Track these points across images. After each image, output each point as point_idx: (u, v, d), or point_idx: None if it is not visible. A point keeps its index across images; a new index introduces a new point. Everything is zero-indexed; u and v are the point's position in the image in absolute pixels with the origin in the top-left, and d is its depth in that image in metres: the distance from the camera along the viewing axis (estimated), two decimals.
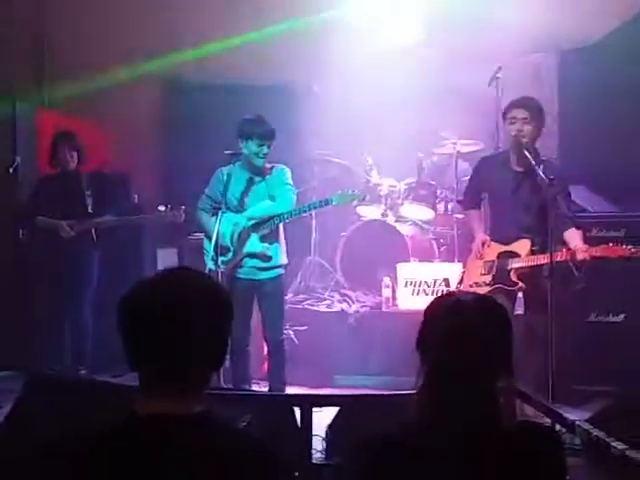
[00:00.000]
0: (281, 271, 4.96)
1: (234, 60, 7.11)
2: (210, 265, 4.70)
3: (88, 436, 1.62)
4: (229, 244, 4.83)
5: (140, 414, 1.60)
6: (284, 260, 4.97)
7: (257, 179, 4.87)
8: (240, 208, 4.85)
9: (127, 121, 7.26)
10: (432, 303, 1.91)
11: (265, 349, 5.21)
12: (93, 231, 5.51)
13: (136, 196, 6.52)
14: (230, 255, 4.83)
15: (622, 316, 5.00)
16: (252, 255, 4.83)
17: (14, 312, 5.84)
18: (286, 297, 6.15)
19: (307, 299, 6.26)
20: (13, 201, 5.87)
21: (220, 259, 4.70)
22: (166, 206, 5.38)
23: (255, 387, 5.12)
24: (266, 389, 4.96)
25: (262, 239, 4.84)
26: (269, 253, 4.84)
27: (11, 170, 5.70)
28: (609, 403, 4.05)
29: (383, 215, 6.43)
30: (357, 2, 6.99)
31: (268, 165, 4.88)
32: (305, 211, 4.99)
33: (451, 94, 6.68)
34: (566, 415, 3.44)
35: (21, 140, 6.35)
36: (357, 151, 6.76)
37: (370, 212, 6.53)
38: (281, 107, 7.10)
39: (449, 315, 1.80)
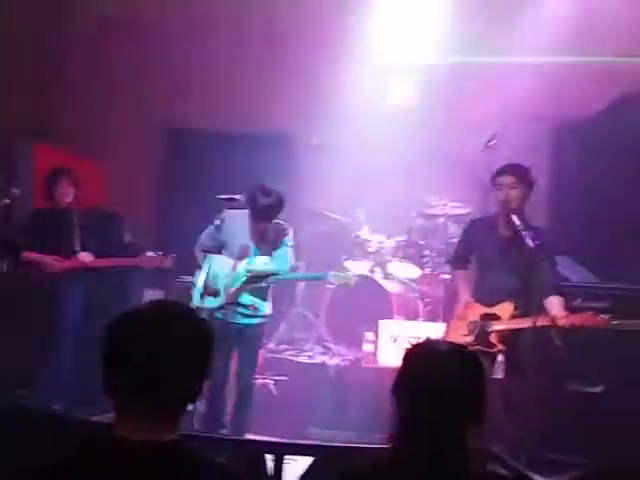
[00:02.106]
0: (263, 320, 5.03)
1: (234, 108, 7.25)
2: (196, 301, 4.74)
3: (58, 461, 1.62)
4: (220, 288, 4.87)
5: (114, 439, 1.62)
6: (268, 311, 5.06)
7: (261, 229, 4.92)
8: (241, 257, 4.90)
9: (125, 162, 7.36)
10: (410, 350, 1.93)
11: None
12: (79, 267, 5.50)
13: (128, 235, 6.55)
14: (219, 299, 4.88)
15: (600, 387, 5.02)
16: (241, 305, 4.90)
17: None
18: (268, 346, 6.18)
19: (289, 349, 6.26)
20: (4, 234, 5.88)
21: (208, 299, 4.74)
22: (156, 252, 5.43)
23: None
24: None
25: (253, 292, 4.91)
26: (257, 306, 4.94)
27: (7, 201, 5.72)
28: (580, 475, 4.04)
29: (370, 271, 6.48)
30: (356, 63, 7.16)
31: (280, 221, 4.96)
32: (301, 279, 5.04)
33: (446, 159, 6.82)
34: None
35: (19, 173, 6.40)
36: (349, 207, 6.86)
37: (358, 267, 6.58)
38: (279, 157, 7.24)
39: (424, 362, 1.83)
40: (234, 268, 4.88)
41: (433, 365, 1.82)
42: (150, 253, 5.45)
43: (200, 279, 4.86)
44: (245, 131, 7.33)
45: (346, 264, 6.64)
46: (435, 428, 1.77)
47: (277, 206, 4.78)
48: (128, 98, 7.48)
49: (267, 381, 5.80)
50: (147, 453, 1.58)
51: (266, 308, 5.02)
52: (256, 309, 4.94)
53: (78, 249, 5.51)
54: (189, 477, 1.59)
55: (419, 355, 1.87)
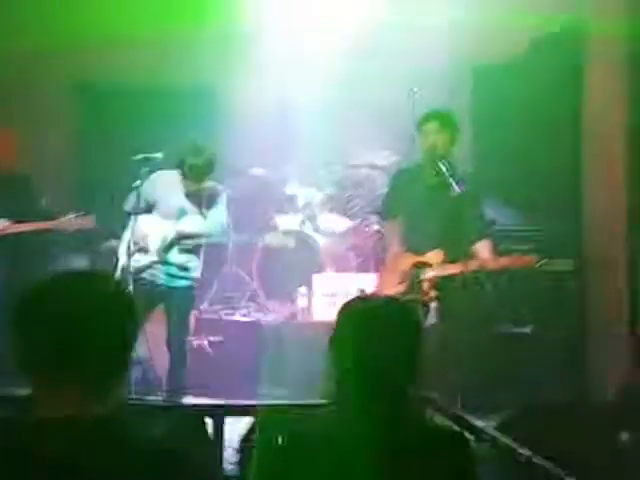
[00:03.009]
0: (191, 282, 4.96)
1: (148, 61, 6.99)
2: (123, 261, 4.63)
3: None
4: (149, 247, 4.77)
5: (35, 418, 1.53)
6: (197, 274, 4.99)
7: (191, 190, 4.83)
8: (171, 217, 4.82)
9: (34, 121, 7.03)
10: (344, 306, 1.95)
11: None
12: None
13: (44, 199, 6.30)
14: (148, 258, 4.80)
15: (529, 328, 5.15)
16: (169, 264, 4.82)
17: None
18: (201, 307, 6.11)
19: (223, 309, 6.20)
20: None
21: (134, 258, 4.64)
22: (76, 213, 5.24)
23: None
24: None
25: (183, 251, 4.83)
26: (188, 265, 4.85)
27: None
28: (515, 411, 4.15)
29: (300, 225, 6.44)
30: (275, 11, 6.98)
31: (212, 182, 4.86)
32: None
33: (369, 107, 6.77)
34: (474, 422, 3.49)
35: None
36: (275, 161, 6.76)
37: (287, 222, 6.53)
38: (199, 112, 7.04)
39: (359, 317, 1.82)
40: (164, 228, 4.78)
41: (367, 318, 1.82)
42: (69, 215, 5.24)
43: (126, 238, 4.74)
44: (166, 85, 7.09)
45: (276, 219, 6.58)
46: (376, 379, 1.77)
47: (208, 166, 4.70)
48: (34, 55, 7.11)
49: (202, 342, 5.74)
50: (71, 430, 1.50)
51: (196, 270, 4.94)
52: (185, 269, 4.84)
53: None
54: (119, 456, 1.51)
55: (353, 310, 1.86)
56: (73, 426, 1.52)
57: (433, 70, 6.29)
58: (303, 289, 5.95)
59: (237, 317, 6.07)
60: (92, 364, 1.56)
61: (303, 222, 6.46)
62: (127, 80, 7.06)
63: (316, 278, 5.96)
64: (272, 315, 6.01)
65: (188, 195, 4.83)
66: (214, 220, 4.87)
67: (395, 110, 6.07)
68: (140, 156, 4.67)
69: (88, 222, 5.16)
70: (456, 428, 3.38)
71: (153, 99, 7.03)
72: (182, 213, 4.84)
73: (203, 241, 4.92)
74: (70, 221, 5.20)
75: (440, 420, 3.63)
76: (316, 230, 6.47)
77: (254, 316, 6.04)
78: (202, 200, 4.85)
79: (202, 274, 5.08)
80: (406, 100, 5.79)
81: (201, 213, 4.85)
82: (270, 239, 6.33)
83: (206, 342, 5.76)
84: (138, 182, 4.74)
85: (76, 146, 7.45)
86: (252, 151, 6.77)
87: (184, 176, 4.73)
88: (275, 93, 6.89)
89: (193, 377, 5.19)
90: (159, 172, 4.85)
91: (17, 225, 5.28)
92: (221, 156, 6.76)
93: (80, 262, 6.18)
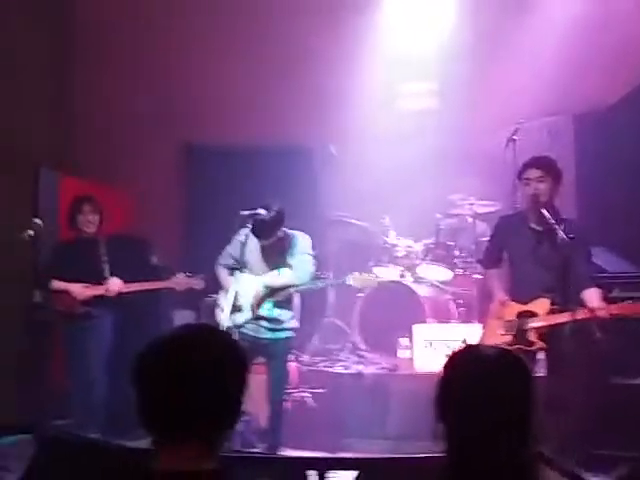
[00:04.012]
0: (290, 334, 4.99)
1: (251, 123, 7.24)
2: (223, 321, 4.72)
3: None
4: (243, 305, 4.85)
5: (154, 471, 1.57)
6: (295, 324, 5.02)
7: (266, 245, 4.90)
8: (258, 271, 4.89)
9: (147, 185, 7.37)
10: (451, 357, 1.84)
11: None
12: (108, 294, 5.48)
13: (155, 258, 6.54)
14: (243, 316, 4.86)
15: None
16: (265, 319, 4.89)
17: (27, 375, 5.81)
18: (302, 359, 6.13)
19: (324, 361, 6.19)
20: (32, 265, 5.86)
21: (233, 317, 4.72)
22: (185, 273, 5.40)
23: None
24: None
25: (276, 305, 4.89)
26: (282, 318, 4.91)
27: (32, 233, 5.69)
28: (631, 468, 3.93)
29: (401, 276, 6.41)
30: (373, 66, 7.12)
31: (288, 231, 4.92)
32: (320, 287, 5.02)
33: (467, 157, 6.75)
34: None
35: (43, 205, 6.42)
36: (374, 213, 6.79)
37: (387, 273, 6.51)
38: (300, 170, 7.21)
39: (470, 370, 1.73)
40: (255, 284, 4.85)
41: (480, 373, 1.73)
42: (180, 275, 5.42)
43: (227, 298, 4.83)
44: (263, 147, 7.31)
45: (375, 270, 6.57)
46: (487, 440, 1.68)
47: (272, 221, 4.72)
48: (146, 120, 7.50)
49: (304, 394, 5.74)
50: None
51: (291, 320, 4.98)
52: (281, 322, 4.90)
53: (107, 275, 5.48)
54: None
55: (464, 363, 1.78)
56: (185, 478, 1.54)
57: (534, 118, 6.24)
58: (404, 340, 5.88)
59: (338, 369, 6.03)
60: (209, 420, 1.58)
61: (403, 273, 6.42)
62: (229, 143, 7.32)
63: (417, 328, 5.88)
64: (373, 367, 5.95)
65: (262, 250, 4.88)
66: (301, 268, 4.87)
67: (495, 158, 6.02)
68: (245, 212, 4.77)
69: (199, 283, 5.32)
70: None
71: (257, 159, 7.24)
72: (260, 268, 4.89)
73: (291, 291, 4.92)
74: (181, 280, 5.37)
75: (556, 478, 3.49)
76: (416, 281, 6.42)
77: (355, 368, 5.99)
78: (276, 253, 4.88)
79: (301, 325, 5.10)
80: (505, 148, 5.74)
81: (278, 266, 4.88)
82: (370, 290, 6.31)
83: (308, 394, 5.75)
84: (237, 239, 4.88)
85: (185, 207, 7.75)
86: (352, 204, 6.84)
87: (253, 232, 4.79)
88: (373, 146, 6.98)
89: (295, 429, 5.20)
90: (242, 230, 4.92)
91: (131, 285, 5.47)
92: (319, 209, 6.95)
93: (186, 318, 6.34)
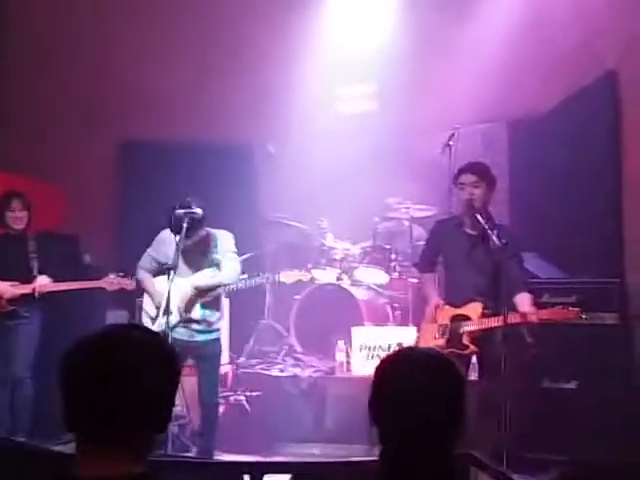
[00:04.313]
0: (219, 334, 4.95)
1: (189, 119, 7.14)
2: (150, 327, 4.59)
3: None
4: (172, 307, 4.74)
5: (78, 477, 1.51)
6: (223, 324, 5.02)
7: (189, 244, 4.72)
8: (181, 273, 4.72)
9: (79, 181, 7.20)
10: (384, 359, 1.86)
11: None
12: (36, 292, 5.33)
13: (87, 256, 6.38)
14: (171, 318, 4.68)
15: (574, 383, 5.01)
16: (194, 321, 4.81)
17: None
18: (238, 361, 6.08)
19: (260, 363, 6.15)
20: None
21: (160, 321, 4.60)
22: (117, 273, 5.28)
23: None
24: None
25: (204, 306, 4.82)
26: (211, 320, 4.85)
27: None
28: (561, 472, 4.01)
29: (338, 279, 6.42)
30: (313, 66, 7.12)
31: (210, 230, 4.81)
32: (251, 285, 4.93)
33: (404, 161, 6.80)
34: None
35: None
36: (312, 214, 6.79)
37: (324, 276, 6.51)
38: (238, 168, 7.14)
39: (399, 373, 1.75)
40: (182, 286, 4.74)
41: (410, 373, 1.75)
42: (112, 275, 5.29)
43: (150, 302, 4.75)
44: (201, 144, 7.22)
45: (313, 272, 6.55)
46: (418, 440, 1.70)
47: (190, 221, 4.53)
48: (81, 117, 7.33)
49: (239, 397, 5.69)
50: None
51: (220, 321, 4.96)
52: (210, 323, 4.83)
53: (36, 273, 5.34)
54: None
55: (395, 364, 1.79)
56: None
57: (470, 123, 6.33)
58: (341, 343, 5.88)
59: (274, 372, 6.00)
60: (135, 421, 1.54)
61: (340, 276, 6.43)
62: (165, 138, 7.20)
63: (355, 331, 5.90)
64: (309, 369, 5.94)
65: (186, 249, 4.65)
66: (228, 267, 4.78)
67: (432, 162, 6.08)
68: (181, 212, 4.65)
69: (130, 283, 5.21)
70: None
71: (194, 156, 7.13)
72: (183, 269, 4.74)
73: (220, 292, 4.85)
74: (112, 281, 5.25)
75: (484, 479, 3.53)
76: (354, 284, 6.44)
77: (291, 371, 5.97)
78: (198, 252, 4.77)
79: (237, 327, 5.07)
80: (441, 153, 5.81)
81: (207, 264, 4.78)
82: (307, 293, 6.30)
83: (243, 397, 5.70)
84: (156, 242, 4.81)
85: (119, 204, 7.59)
86: (289, 205, 6.82)
87: (172, 231, 4.60)
88: (311, 146, 6.97)
89: (230, 432, 5.14)
90: (163, 231, 4.80)
91: (60, 284, 5.33)
92: (256, 209, 6.90)
93: (119, 319, 6.20)
